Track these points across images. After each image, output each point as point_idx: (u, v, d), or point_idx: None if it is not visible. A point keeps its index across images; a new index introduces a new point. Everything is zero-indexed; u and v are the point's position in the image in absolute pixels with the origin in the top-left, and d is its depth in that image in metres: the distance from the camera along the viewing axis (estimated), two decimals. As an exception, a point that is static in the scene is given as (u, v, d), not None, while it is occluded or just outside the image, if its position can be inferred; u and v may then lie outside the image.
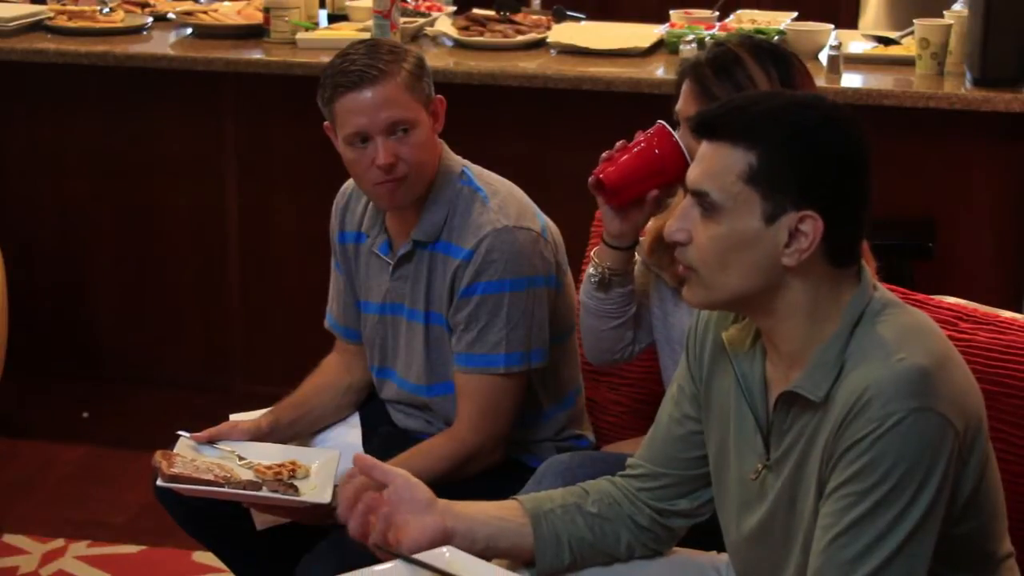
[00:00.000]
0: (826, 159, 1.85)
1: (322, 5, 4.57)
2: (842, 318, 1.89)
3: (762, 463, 1.98)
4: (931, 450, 1.80)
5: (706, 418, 2.10)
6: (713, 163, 1.89)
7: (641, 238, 2.53)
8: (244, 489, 2.51)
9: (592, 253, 2.54)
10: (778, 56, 2.40)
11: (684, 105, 2.38)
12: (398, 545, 2.02)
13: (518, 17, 4.44)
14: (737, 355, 2.01)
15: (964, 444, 1.85)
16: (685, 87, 2.39)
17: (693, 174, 1.91)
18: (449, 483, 2.54)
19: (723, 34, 4.16)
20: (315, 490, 2.53)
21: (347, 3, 4.52)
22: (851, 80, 3.92)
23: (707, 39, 4.03)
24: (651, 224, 2.52)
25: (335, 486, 2.51)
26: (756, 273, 1.88)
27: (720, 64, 2.36)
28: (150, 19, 4.54)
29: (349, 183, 2.83)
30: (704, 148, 1.91)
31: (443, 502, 2.10)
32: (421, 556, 1.98)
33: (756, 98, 1.96)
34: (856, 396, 1.82)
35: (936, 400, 1.80)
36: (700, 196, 1.90)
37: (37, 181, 4.53)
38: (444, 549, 1.99)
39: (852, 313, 1.89)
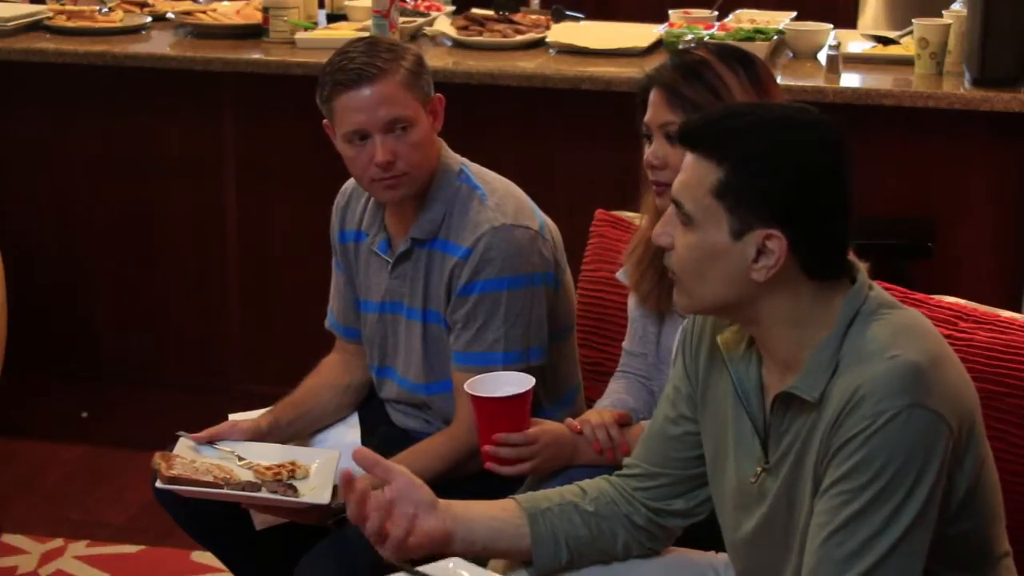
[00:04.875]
0: (793, 181, 1.85)
1: (321, 5, 4.57)
2: (836, 320, 1.89)
3: (761, 466, 1.98)
4: (925, 447, 1.80)
5: (702, 420, 2.10)
6: (688, 174, 1.91)
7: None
8: (243, 490, 2.51)
9: None
10: (742, 57, 2.40)
11: (654, 114, 2.39)
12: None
13: (517, 17, 4.43)
14: (732, 359, 2.01)
15: (959, 442, 1.85)
16: (653, 96, 2.39)
17: (675, 183, 1.94)
18: (448, 482, 2.55)
19: (709, 33, 4.17)
20: (314, 491, 2.53)
21: (346, 3, 4.53)
22: (850, 80, 3.91)
23: (706, 38, 4.04)
24: (639, 234, 2.54)
25: (335, 486, 2.51)
26: (729, 285, 1.90)
27: (688, 68, 2.37)
28: (149, 19, 4.54)
29: (349, 183, 2.83)
30: (686, 158, 1.93)
31: (442, 504, 2.10)
32: (426, 568, 1.98)
33: (733, 112, 1.96)
34: (850, 394, 1.83)
35: (929, 397, 1.81)
36: (677, 205, 1.92)
37: (37, 181, 4.53)
38: (449, 561, 2.00)
39: (846, 314, 1.89)
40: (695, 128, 1.93)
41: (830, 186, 1.87)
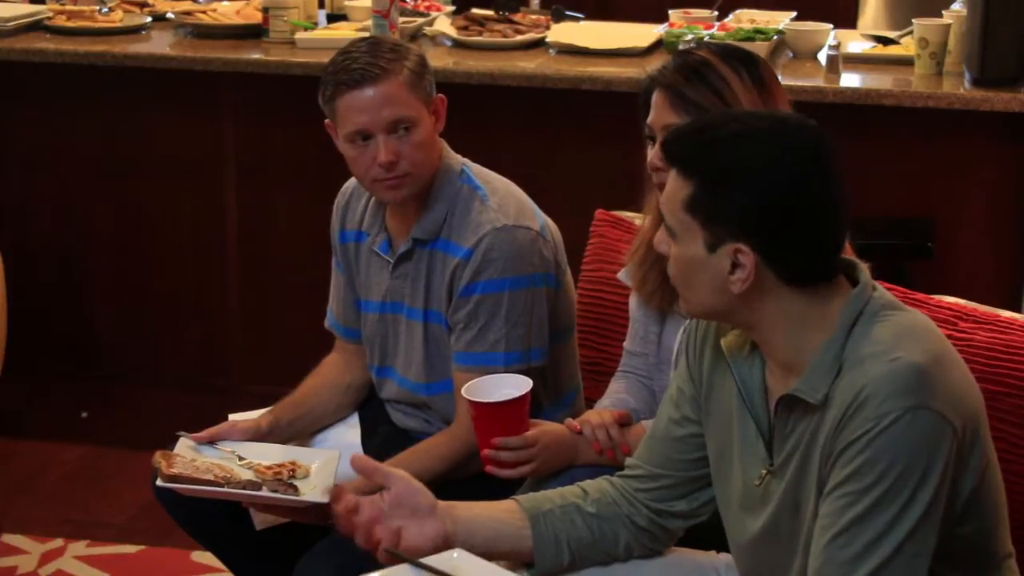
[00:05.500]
0: (758, 196, 1.85)
1: (321, 5, 4.57)
2: (837, 322, 1.89)
3: (766, 468, 1.98)
4: (928, 448, 1.80)
5: (706, 421, 2.10)
6: (668, 188, 1.93)
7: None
8: (244, 489, 2.51)
9: None
10: (745, 57, 2.40)
11: (657, 116, 2.37)
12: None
13: (517, 17, 4.44)
14: (736, 361, 2.01)
15: (963, 443, 1.85)
16: (656, 98, 2.38)
17: (661, 197, 1.96)
18: (448, 482, 2.55)
19: (709, 33, 4.17)
20: (315, 490, 2.52)
21: (346, 3, 4.53)
22: (850, 80, 3.92)
23: (706, 37, 4.04)
24: (642, 234, 2.55)
25: (335, 486, 2.51)
26: (714, 295, 1.91)
27: (691, 69, 2.36)
28: (149, 19, 4.55)
29: (350, 182, 2.83)
30: (670, 172, 1.94)
31: (443, 505, 2.10)
32: (429, 559, 1.97)
33: (705, 126, 1.96)
34: (853, 396, 1.83)
35: (932, 398, 1.81)
36: (662, 218, 1.95)
37: (37, 181, 4.53)
38: (453, 552, 2.00)
39: (848, 316, 1.89)
40: (670, 143, 1.95)
41: (800, 199, 1.86)
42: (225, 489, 2.50)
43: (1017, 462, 2.35)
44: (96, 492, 3.99)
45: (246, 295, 4.50)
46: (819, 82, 3.89)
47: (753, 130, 1.90)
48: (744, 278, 1.87)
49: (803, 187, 1.86)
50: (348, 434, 2.85)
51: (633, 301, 2.62)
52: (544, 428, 2.44)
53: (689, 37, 4.07)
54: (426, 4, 4.63)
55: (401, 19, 4.21)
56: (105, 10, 4.56)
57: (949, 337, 2.01)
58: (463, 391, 2.43)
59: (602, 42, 4.18)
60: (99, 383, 4.57)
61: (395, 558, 2.01)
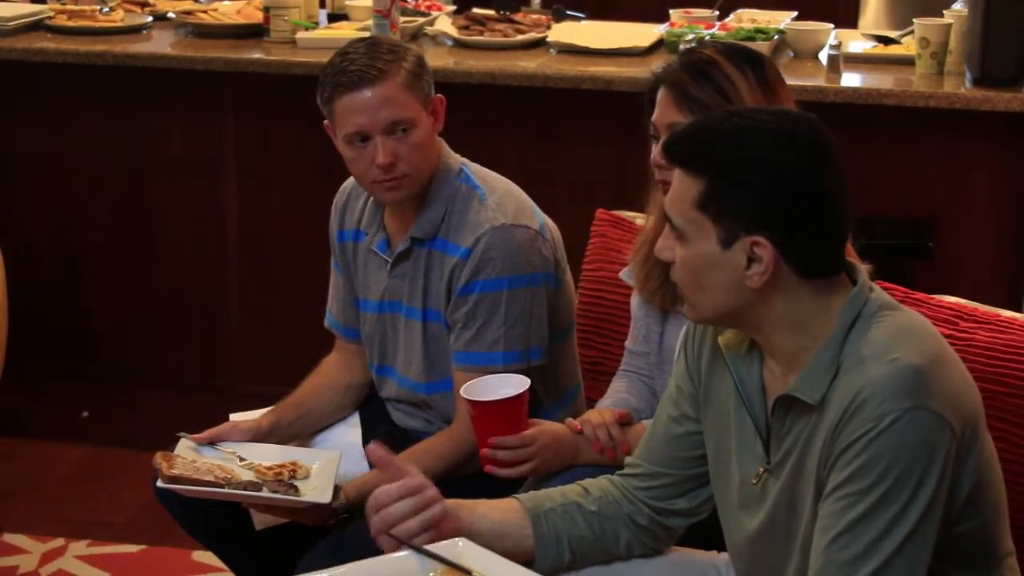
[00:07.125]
0: (770, 187, 1.85)
1: (322, 4, 4.57)
2: (837, 322, 1.89)
3: (763, 467, 1.98)
4: (927, 449, 1.80)
5: (704, 419, 2.10)
6: (675, 190, 1.93)
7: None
8: (244, 490, 2.51)
9: None
10: (751, 57, 2.40)
11: (662, 114, 2.37)
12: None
13: (518, 16, 4.44)
14: (734, 360, 2.01)
15: (962, 443, 1.85)
16: (661, 95, 2.38)
17: (666, 199, 1.96)
18: (448, 482, 2.54)
19: (709, 33, 4.17)
20: (315, 490, 2.53)
21: (347, 2, 4.53)
22: (851, 79, 3.92)
23: (706, 37, 4.04)
24: (645, 232, 2.54)
25: (336, 486, 2.51)
26: (728, 293, 1.90)
27: (696, 68, 2.36)
28: (150, 18, 4.55)
29: (349, 182, 2.83)
30: (675, 173, 1.94)
31: (446, 503, 2.09)
32: (433, 547, 1.97)
33: (709, 123, 1.96)
34: (851, 397, 1.83)
35: (931, 399, 1.81)
36: (669, 220, 1.94)
37: (37, 181, 4.53)
38: (458, 540, 1.99)
39: (847, 316, 1.89)
40: (674, 143, 1.95)
41: (809, 189, 1.86)
42: (225, 490, 2.50)
43: (1017, 462, 2.35)
44: (97, 492, 3.99)
45: (246, 295, 4.50)
46: (820, 82, 3.89)
47: (758, 123, 1.90)
48: (762, 271, 1.87)
49: (814, 175, 1.87)
50: (348, 434, 2.86)
51: (635, 300, 2.62)
52: (543, 428, 2.44)
53: (690, 37, 4.07)
54: (427, 4, 4.64)
55: (402, 19, 4.21)
56: (106, 10, 4.56)
57: (949, 337, 2.01)
58: (461, 391, 2.43)
59: (603, 42, 4.18)
60: (99, 383, 4.57)
61: (400, 544, 2.00)
